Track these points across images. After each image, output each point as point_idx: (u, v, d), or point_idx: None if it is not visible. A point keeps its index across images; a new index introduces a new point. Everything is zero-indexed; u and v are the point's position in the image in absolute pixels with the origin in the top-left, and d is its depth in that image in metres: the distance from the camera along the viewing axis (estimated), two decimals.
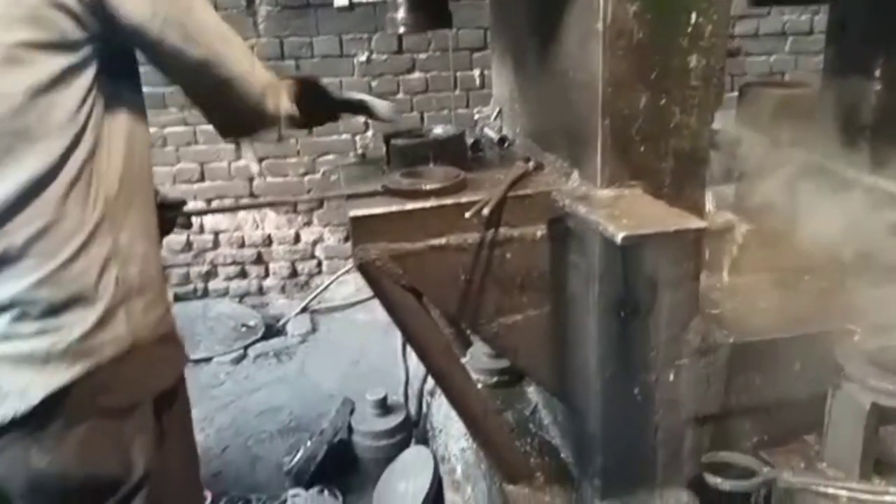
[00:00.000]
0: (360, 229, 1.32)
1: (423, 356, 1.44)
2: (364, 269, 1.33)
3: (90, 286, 1.11)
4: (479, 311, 1.40)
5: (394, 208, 1.32)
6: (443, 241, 1.34)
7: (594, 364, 1.37)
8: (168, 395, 1.28)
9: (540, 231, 1.36)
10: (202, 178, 4.17)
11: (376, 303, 1.41)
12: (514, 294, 1.40)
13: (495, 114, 2.01)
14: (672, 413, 1.44)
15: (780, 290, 1.59)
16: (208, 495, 2.40)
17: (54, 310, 1.09)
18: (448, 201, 1.33)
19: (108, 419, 1.16)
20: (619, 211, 1.14)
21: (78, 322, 1.10)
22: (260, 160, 4.07)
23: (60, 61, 1.03)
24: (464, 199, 1.33)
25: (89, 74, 1.08)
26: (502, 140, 1.79)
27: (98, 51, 1.09)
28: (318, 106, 1.42)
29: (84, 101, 1.07)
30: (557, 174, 1.41)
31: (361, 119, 4.10)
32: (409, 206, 1.32)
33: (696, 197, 1.32)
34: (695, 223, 1.08)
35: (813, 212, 1.63)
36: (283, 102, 1.33)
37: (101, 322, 1.12)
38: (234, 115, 1.30)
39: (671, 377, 1.40)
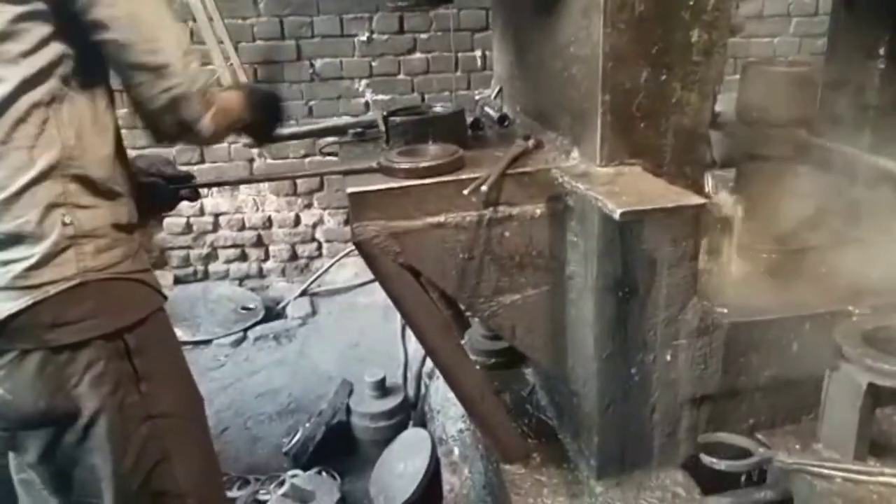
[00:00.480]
0: (358, 206, 1.31)
1: (420, 336, 1.43)
2: (362, 246, 1.33)
3: (32, 224, 1.17)
4: (477, 291, 1.39)
5: (392, 185, 1.31)
6: (441, 218, 1.33)
7: (591, 344, 1.36)
8: (138, 336, 1.29)
9: (539, 209, 1.35)
10: (202, 160, 4.15)
11: (376, 286, 1.40)
12: (512, 273, 1.39)
13: (496, 92, 1.99)
14: (669, 393, 1.43)
15: (778, 271, 1.59)
16: None
17: None
18: (446, 179, 1.31)
19: (56, 354, 1.21)
20: (618, 188, 1.13)
21: (20, 258, 1.17)
22: None
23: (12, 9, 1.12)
24: (462, 177, 1.31)
25: (44, 28, 1.15)
26: (502, 118, 1.78)
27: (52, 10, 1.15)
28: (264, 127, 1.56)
29: (38, 49, 1.14)
30: (557, 152, 1.39)
31: (362, 100, 4.09)
32: (407, 182, 1.31)
33: (695, 175, 1.31)
34: (694, 200, 1.07)
35: (814, 192, 1.62)
36: (208, 114, 1.30)
37: (45, 259, 1.18)
38: (152, 114, 1.28)
39: (668, 357, 1.39)
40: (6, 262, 1.17)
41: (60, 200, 1.19)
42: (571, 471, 1.55)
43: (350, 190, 1.31)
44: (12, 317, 1.17)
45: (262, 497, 2.31)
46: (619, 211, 1.02)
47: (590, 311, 1.35)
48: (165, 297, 1.40)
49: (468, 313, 2.06)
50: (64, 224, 1.19)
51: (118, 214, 1.30)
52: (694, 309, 1.36)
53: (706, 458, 1.36)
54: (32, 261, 1.17)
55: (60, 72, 1.18)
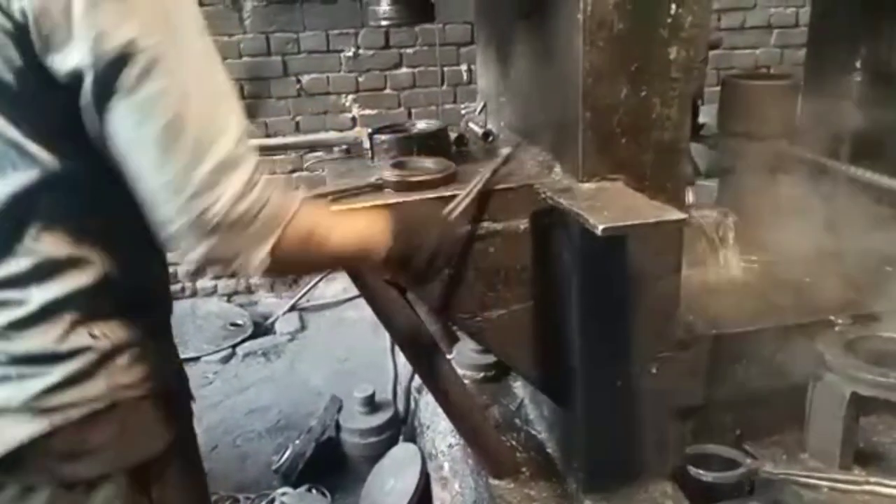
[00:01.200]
0: None
1: (407, 353, 1.44)
2: None
3: (53, 339, 0.94)
4: (462, 306, 1.39)
5: (378, 202, 1.31)
6: None
7: (577, 358, 1.37)
8: (157, 463, 1.05)
9: (523, 224, 1.36)
10: None
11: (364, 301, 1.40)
12: (497, 288, 1.39)
13: (480, 108, 2.00)
14: (656, 406, 1.44)
15: (761, 282, 1.60)
16: None
17: (14, 359, 0.94)
18: (430, 195, 1.32)
19: (69, 490, 0.98)
20: (600, 203, 1.14)
21: (38, 374, 0.94)
22: None
23: None
24: (447, 193, 1.32)
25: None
26: (486, 134, 1.78)
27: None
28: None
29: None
30: (540, 167, 1.40)
31: (349, 115, 4.11)
32: (392, 200, 1.31)
33: (677, 189, 1.32)
34: (675, 215, 1.08)
35: (795, 204, 1.64)
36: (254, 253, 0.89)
37: (69, 378, 0.95)
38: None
39: (654, 370, 1.40)
40: (22, 378, 0.94)
41: (89, 314, 0.96)
42: (561, 484, 1.55)
43: (335, 209, 1.31)
44: (25, 445, 0.93)
45: None
46: (600, 227, 1.03)
47: (575, 324, 1.35)
48: (194, 399, 1.21)
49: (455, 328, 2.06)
50: (93, 337, 0.96)
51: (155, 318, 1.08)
52: (678, 321, 1.37)
53: (694, 471, 1.37)
54: (53, 379, 0.93)
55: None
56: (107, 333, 0.97)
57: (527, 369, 1.49)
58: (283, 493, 2.21)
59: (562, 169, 1.34)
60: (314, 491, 2.25)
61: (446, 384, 1.46)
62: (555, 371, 1.48)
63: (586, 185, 1.24)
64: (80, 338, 0.95)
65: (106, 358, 0.97)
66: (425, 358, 1.43)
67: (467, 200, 1.26)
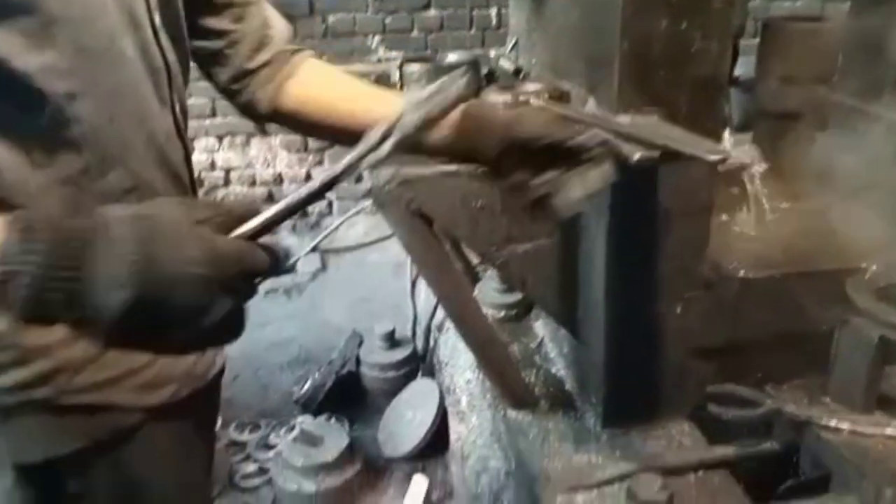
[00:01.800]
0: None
1: (432, 283, 1.45)
2: (375, 193, 1.33)
3: None
4: (489, 239, 1.40)
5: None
6: (454, 167, 1.33)
7: (602, 295, 1.37)
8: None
9: None
10: (213, 114, 4.14)
11: (386, 244, 1.42)
12: (524, 222, 1.39)
13: (511, 45, 1.97)
14: (678, 346, 1.44)
15: (793, 228, 1.58)
16: (219, 420, 2.46)
17: None
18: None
19: None
20: (634, 133, 1.12)
21: None
22: None
23: None
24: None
25: None
26: (517, 71, 1.76)
27: None
28: None
29: None
30: (574, 101, 1.38)
31: (375, 56, 4.06)
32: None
33: (713, 128, 1.29)
34: (712, 147, 1.06)
35: (832, 150, 1.60)
36: None
37: None
38: None
39: (679, 310, 1.40)
40: None
41: None
42: (578, 419, 1.57)
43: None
44: None
45: (272, 441, 2.37)
46: (635, 155, 1.02)
47: (601, 261, 1.35)
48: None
49: (480, 262, 2.08)
50: None
51: None
52: (706, 262, 1.36)
53: (714, 408, 1.38)
54: None
55: None
56: None
57: (550, 304, 1.49)
58: (304, 421, 2.26)
59: (596, 102, 1.31)
60: (333, 420, 2.30)
61: (468, 316, 1.48)
62: (577, 307, 1.48)
63: (621, 118, 1.22)
64: None
65: None
66: (449, 290, 1.44)
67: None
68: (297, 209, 0.74)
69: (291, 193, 0.73)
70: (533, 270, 1.43)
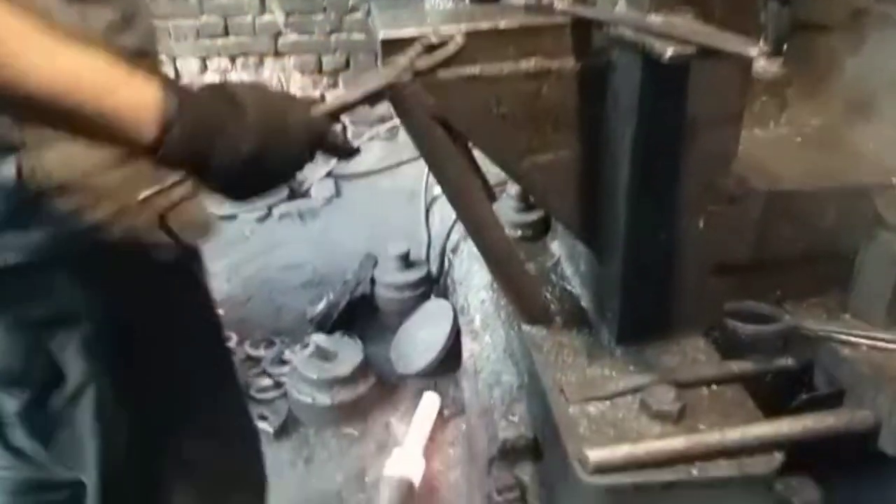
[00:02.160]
0: (390, 54, 1.26)
1: (449, 193, 1.42)
2: (394, 96, 1.29)
3: None
4: (509, 149, 1.36)
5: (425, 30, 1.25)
6: (476, 70, 1.28)
7: (623, 207, 1.35)
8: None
9: (579, 63, 1.30)
10: (226, 33, 4.05)
11: (400, 171, 1.38)
12: (547, 132, 1.35)
13: None
14: (698, 261, 1.42)
15: (823, 143, 1.54)
16: (234, 337, 2.49)
17: None
18: (484, 25, 1.26)
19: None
20: (667, 32, 1.08)
21: None
22: (287, 14, 3.93)
23: None
24: (502, 24, 1.26)
25: None
26: None
27: None
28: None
29: None
30: (602, 2, 1.32)
31: None
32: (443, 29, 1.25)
33: (747, 32, 1.24)
34: (746, 46, 1.02)
35: (869, 63, 1.54)
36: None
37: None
38: None
39: (701, 224, 1.38)
40: None
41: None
42: (593, 335, 1.57)
43: (383, 36, 1.26)
44: None
45: (287, 357, 2.40)
46: (668, 51, 0.98)
47: (624, 173, 1.32)
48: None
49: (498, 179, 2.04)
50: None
51: None
52: (732, 174, 1.33)
53: (731, 323, 1.37)
54: None
55: None
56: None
57: (569, 218, 1.47)
58: (318, 337, 2.29)
59: (626, 1, 1.26)
60: (346, 337, 2.33)
61: (486, 227, 1.46)
62: (598, 221, 1.46)
63: (653, 18, 1.17)
64: None
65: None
66: (466, 199, 1.42)
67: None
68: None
69: None
70: (553, 182, 1.40)
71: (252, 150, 0.80)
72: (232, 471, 1.28)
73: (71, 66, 0.67)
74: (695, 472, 1.23)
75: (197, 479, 1.20)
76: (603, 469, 1.22)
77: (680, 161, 1.30)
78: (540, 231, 2.04)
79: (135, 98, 0.72)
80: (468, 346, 2.10)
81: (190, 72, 4.06)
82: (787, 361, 1.40)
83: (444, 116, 1.31)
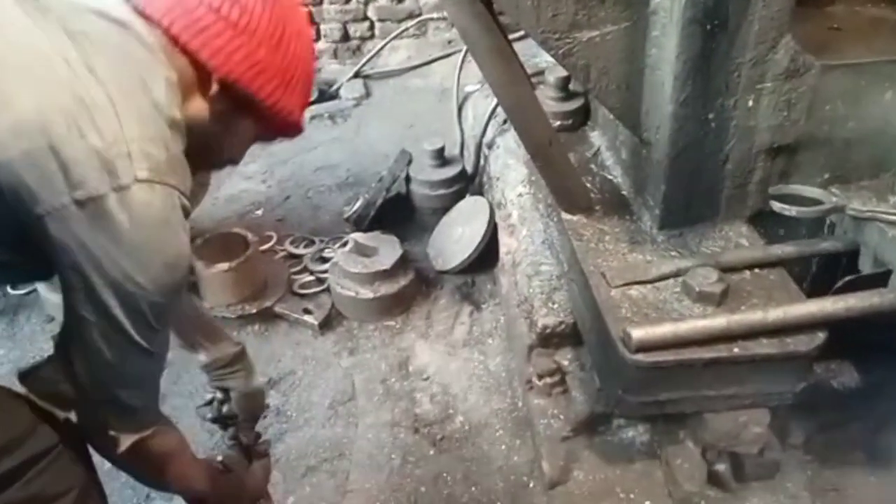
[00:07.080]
0: None
1: (489, 74, 1.39)
2: None
3: None
4: (552, 25, 1.31)
5: None
6: None
7: (670, 85, 1.31)
8: None
9: None
10: None
11: (430, 69, 1.33)
12: (591, 6, 1.30)
13: None
14: (745, 142, 1.39)
15: (881, 24, 1.46)
16: (274, 236, 2.53)
17: None
18: None
19: None
20: None
21: None
22: None
23: None
24: None
25: None
26: None
27: None
28: None
29: None
30: None
31: None
32: None
33: None
34: None
35: None
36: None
37: None
38: None
39: (751, 102, 1.34)
40: None
41: None
42: (634, 222, 1.57)
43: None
44: None
45: (327, 254, 2.44)
46: None
47: (672, 49, 1.27)
48: None
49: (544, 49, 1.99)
50: None
51: None
52: (785, 48, 1.27)
53: (777, 206, 1.35)
54: None
55: None
56: None
57: (612, 99, 1.43)
58: (355, 237, 2.31)
59: None
60: (384, 234, 2.35)
61: (527, 111, 1.43)
62: (642, 102, 1.42)
63: None
64: None
65: None
66: (509, 80, 1.39)
67: None
68: None
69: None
70: (597, 60, 1.36)
71: None
72: None
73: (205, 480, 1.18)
74: (736, 350, 1.25)
75: None
76: (646, 347, 1.24)
77: (731, 34, 1.24)
78: (580, 121, 2.00)
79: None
80: (505, 242, 2.11)
81: None
82: (831, 245, 1.38)
83: None
